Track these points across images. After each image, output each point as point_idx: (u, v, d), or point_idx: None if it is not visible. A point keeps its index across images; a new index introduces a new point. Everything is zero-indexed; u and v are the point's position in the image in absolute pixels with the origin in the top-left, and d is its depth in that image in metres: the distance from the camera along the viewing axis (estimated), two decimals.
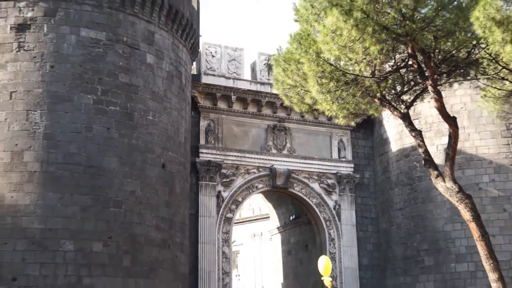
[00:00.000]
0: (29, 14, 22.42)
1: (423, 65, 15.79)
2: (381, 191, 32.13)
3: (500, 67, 15.64)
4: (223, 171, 28.89)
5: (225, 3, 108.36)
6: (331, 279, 21.19)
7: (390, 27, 14.23)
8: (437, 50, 15.67)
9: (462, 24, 14.00)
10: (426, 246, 28.64)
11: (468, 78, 18.13)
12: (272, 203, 35.80)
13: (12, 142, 21.18)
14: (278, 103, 29.31)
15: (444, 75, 17.01)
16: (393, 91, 17.53)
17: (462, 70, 16.90)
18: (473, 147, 28.24)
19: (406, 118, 17.15)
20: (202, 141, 28.74)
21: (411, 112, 18.05)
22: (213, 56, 29.88)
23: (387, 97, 17.20)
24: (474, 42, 14.97)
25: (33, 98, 21.65)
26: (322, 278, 20.82)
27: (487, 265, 15.84)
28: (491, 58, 15.19)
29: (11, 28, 22.30)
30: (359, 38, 13.94)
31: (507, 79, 16.84)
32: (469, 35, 14.54)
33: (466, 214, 16.01)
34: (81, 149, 21.58)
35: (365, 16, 13.72)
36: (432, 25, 14.35)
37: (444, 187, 16.31)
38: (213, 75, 29.42)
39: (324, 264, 20.34)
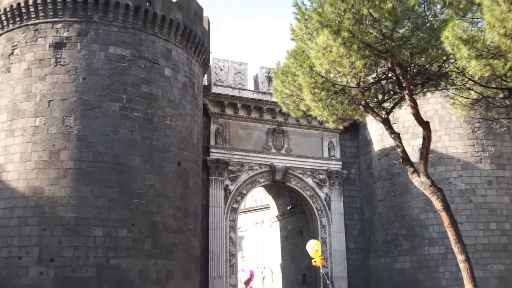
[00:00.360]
0: (65, 34, 22.51)
1: (400, 77, 15.80)
2: (365, 185, 32.15)
3: (466, 79, 15.66)
4: (230, 167, 28.95)
5: (232, 25, 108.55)
6: (323, 257, 21.29)
7: (373, 44, 14.25)
8: (412, 65, 15.69)
9: (434, 42, 14.03)
10: (404, 231, 28.67)
11: (439, 88, 18.17)
12: (272, 195, 35.85)
13: (50, 143, 21.28)
14: (277, 110, 29.36)
15: (419, 85, 17.02)
16: (375, 99, 17.53)
17: (434, 82, 16.90)
18: (444, 147, 28.24)
19: (386, 123, 17.17)
20: (212, 142, 28.81)
21: (390, 117, 18.05)
22: (221, 69, 29.94)
23: (370, 105, 17.21)
24: (444, 58, 14.98)
25: (68, 105, 21.73)
26: (313, 260, 20.87)
27: (455, 248, 15.86)
28: (459, 71, 15.21)
29: (49, 46, 22.41)
30: (346, 54, 13.97)
31: (472, 89, 16.86)
32: (440, 52, 14.56)
33: (437, 205, 16.03)
34: (108, 149, 21.66)
35: (351, 35, 13.76)
36: (408, 43, 14.36)
37: (419, 181, 16.34)
38: (222, 85, 29.50)
39: (315, 243, 20.35)
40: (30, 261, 20.07)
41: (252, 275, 27.60)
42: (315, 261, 21.51)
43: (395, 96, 17.58)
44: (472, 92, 17.17)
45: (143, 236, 21.56)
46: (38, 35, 22.66)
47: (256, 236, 51.41)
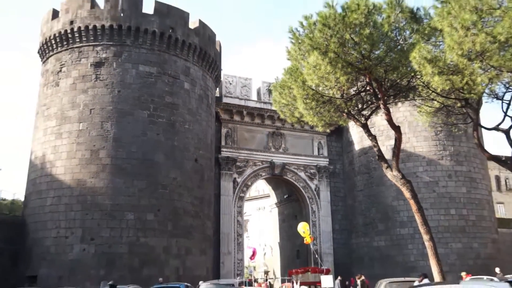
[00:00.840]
0: (103, 55, 22.58)
1: (376, 90, 15.76)
2: (347, 178, 32.11)
3: (430, 91, 15.60)
4: (238, 163, 28.96)
5: (240, 47, 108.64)
6: (311, 236, 21.26)
7: (354, 63, 14.22)
8: (386, 80, 15.63)
9: (404, 62, 13.99)
10: (379, 216, 28.65)
11: (408, 99, 18.06)
12: (272, 186, 35.83)
13: (91, 144, 21.34)
14: (276, 116, 29.38)
15: (392, 96, 16.95)
16: (356, 108, 17.47)
17: (404, 93, 16.83)
18: (412, 147, 28.21)
19: (365, 127, 17.13)
20: (223, 143, 28.82)
21: (368, 122, 17.97)
22: (230, 83, 29.97)
23: (352, 112, 17.16)
24: (412, 74, 14.92)
25: (106, 113, 21.79)
26: (304, 239, 20.81)
27: (422, 229, 15.81)
28: (424, 85, 15.15)
29: (91, 64, 22.49)
30: (332, 71, 13.94)
31: (435, 100, 16.81)
32: (408, 69, 14.50)
33: (407, 194, 15.98)
34: (139, 148, 21.71)
35: (336, 56, 13.74)
36: (383, 62, 14.31)
37: (391, 175, 16.29)
38: (231, 96, 29.52)
39: (303, 225, 20.34)
40: (74, 240, 20.17)
41: (254, 252, 27.56)
42: (306, 240, 21.51)
43: (372, 105, 17.52)
44: (435, 102, 17.12)
45: (167, 220, 21.61)
46: (81, 56, 22.74)
47: (259, 219, 51.34)
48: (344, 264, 30.06)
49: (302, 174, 31.02)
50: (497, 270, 19.60)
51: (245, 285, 19.03)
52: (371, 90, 15.99)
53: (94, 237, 20.14)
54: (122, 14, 22.85)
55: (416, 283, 12.68)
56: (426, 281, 12.61)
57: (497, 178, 45.24)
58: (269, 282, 25.48)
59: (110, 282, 14.94)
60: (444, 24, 11.86)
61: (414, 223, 22.65)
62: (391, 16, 13.87)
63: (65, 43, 23.16)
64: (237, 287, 20.09)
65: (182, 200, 22.37)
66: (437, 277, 15.43)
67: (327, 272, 22.55)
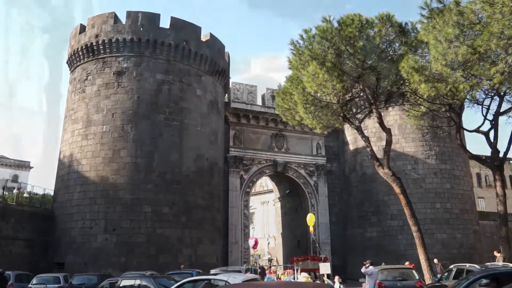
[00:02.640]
0: (125, 65, 22.72)
1: (369, 96, 15.81)
2: (343, 175, 32.08)
3: (417, 97, 15.65)
4: (244, 162, 28.99)
5: (246, 57, 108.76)
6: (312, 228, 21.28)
7: (349, 72, 14.29)
8: (378, 87, 15.68)
9: (393, 71, 14.04)
10: (372, 209, 28.60)
11: (398, 104, 18.14)
12: (275, 182, 35.85)
13: (113, 144, 21.48)
14: (278, 119, 29.32)
15: (383, 102, 17.01)
16: (351, 112, 17.54)
17: (394, 99, 16.90)
18: (401, 147, 28.16)
19: (359, 129, 17.17)
20: (231, 143, 28.86)
21: (362, 125, 18.03)
22: (238, 90, 30.01)
23: (347, 116, 17.22)
24: (401, 82, 14.99)
25: (126, 116, 21.92)
26: (309, 224, 20.86)
27: (410, 221, 15.84)
28: (412, 92, 15.21)
29: (113, 73, 22.64)
30: (329, 79, 14.01)
31: (422, 105, 16.83)
32: (398, 77, 14.57)
33: (397, 189, 16.01)
34: (155, 149, 21.82)
35: (333, 65, 13.82)
36: (375, 71, 14.37)
37: (383, 172, 16.33)
38: (238, 102, 29.56)
39: (311, 215, 20.45)
40: (98, 230, 20.31)
41: (256, 242, 27.51)
42: (311, 229, 21.63)
43: (365, 110, 17.58)
44: (422, 107, 17.13)
45: (180, 212, 21.70)
46: (105, 66, 22.90)
47: (263, 212, 51.39)
48: (340, 253, 30.06)
49: (302, 172, 31.02)
50: (435, 260, 20.04)
51: (251, 272, 19.03)
52: (364, 96, 16.05)
53: (116, 227, 20.28)
54: (141, 29, 22.99)
55: (363, 269, 12.58)
56: (371, 267, 12.47)
57: (478, 175, 45.06)
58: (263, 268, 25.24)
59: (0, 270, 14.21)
60: (430, 37, 11.89)
61: (403, 216, 22.59)
62: (382, 30, 13.91)
63: (91, 54, 23.33)
64: (244, 273, 20.07)
65: (194, 195, 22.45)
66: (424, 263, 15.47)
67: (325, 260, 22.53)
